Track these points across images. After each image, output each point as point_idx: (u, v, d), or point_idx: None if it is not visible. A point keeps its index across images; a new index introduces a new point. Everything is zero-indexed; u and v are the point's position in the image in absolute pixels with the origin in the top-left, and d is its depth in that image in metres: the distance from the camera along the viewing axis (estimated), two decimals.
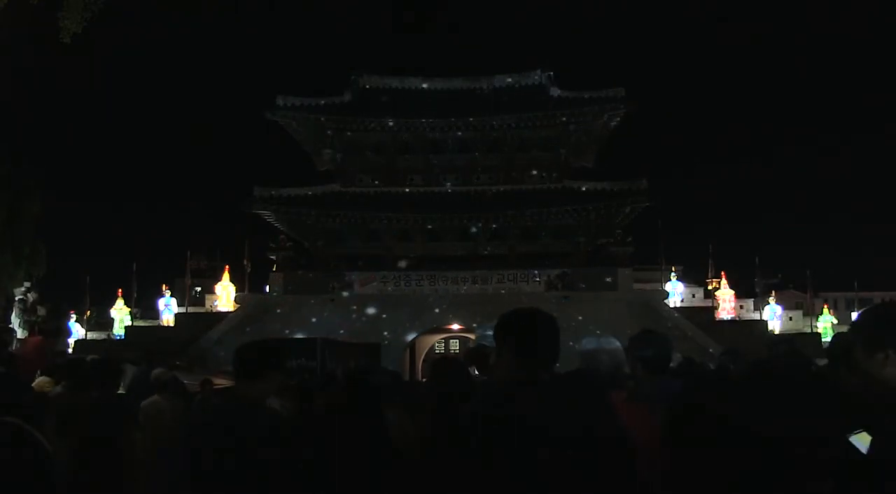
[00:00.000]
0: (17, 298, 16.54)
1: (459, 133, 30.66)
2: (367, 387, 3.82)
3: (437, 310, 27.77)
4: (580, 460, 1.87)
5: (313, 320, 26.75)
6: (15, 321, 16.37)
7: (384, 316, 27.10)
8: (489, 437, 1.90)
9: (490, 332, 2.85)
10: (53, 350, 8.38)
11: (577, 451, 1.86)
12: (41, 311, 17.89)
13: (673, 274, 29.76)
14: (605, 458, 1.90)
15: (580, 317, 26.43)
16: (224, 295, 28.96)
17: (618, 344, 4.18)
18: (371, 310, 27.20)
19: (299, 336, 23.12)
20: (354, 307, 27.40)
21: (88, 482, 3.92)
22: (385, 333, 26.37)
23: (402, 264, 29.13)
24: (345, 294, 27.90)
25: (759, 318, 28.17)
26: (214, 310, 28.84)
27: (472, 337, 30.56)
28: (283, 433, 3.22)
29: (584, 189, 29.42)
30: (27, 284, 18.55)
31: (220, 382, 9.92)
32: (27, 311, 16.41)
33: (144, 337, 24.91)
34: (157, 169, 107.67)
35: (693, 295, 31.49)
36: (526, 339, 2.14)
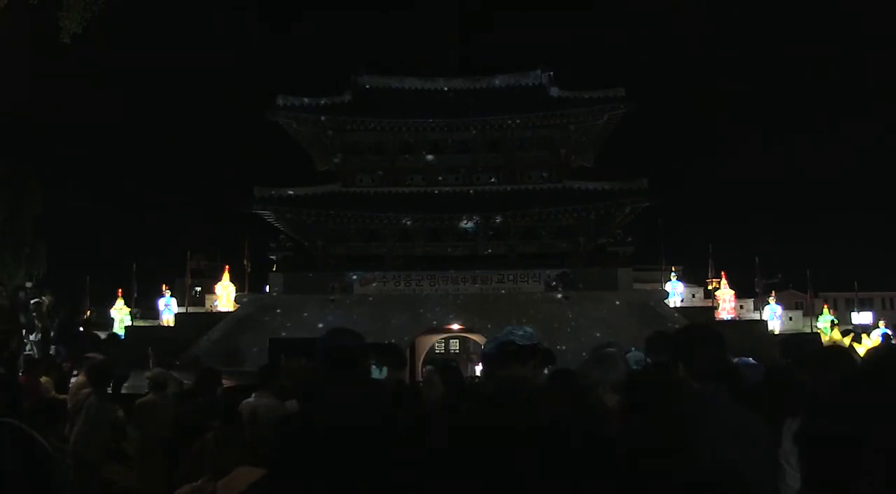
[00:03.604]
0: (32, 301, 16.37)
1: (459, 133, 30.62)
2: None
3: (437, 310, 27.76)
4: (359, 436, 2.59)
5: (313, 320, 26.74)
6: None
7: (384, 316, 27.07)
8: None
9: (520, 333, 2.90)
10: (37, 384, 8.53)
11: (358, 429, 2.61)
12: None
13: (673, 274, 29.74)
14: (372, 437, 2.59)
15: (580, 317, 26.45)
16: (224, 295, 28.92)
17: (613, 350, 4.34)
18: (371, 310, 27.18)
19: (299, 336, 23.10)
20: (354, 307, 27.38)
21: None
22: (385, 333, 26.35)
23: (401, 263, 29.12)
24: (345, 294, 27.89)
25: (759, 318, 28.15)
26: (214, 310, 28.80)
27: (474, 337, 30.54)
28: None
29: (584, 189, 29.40)
30: (28, 284, 18.45)
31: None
32: (42, 316, 16.22)
33: (144, 336, 24.89)
34: (157, 169, 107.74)
35: (693, 295, 31.46)
36: (332, 356, 3.07)
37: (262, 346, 20.58)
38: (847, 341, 19.67)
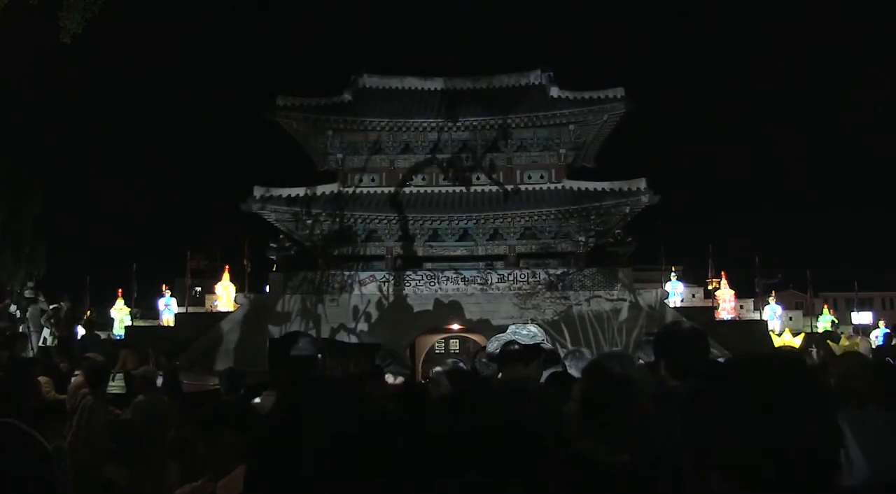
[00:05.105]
0: (51, 307, 16.28)
1: (459, 133, 30.64)
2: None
3: (437, 310, 27.75)
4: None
5: (313, 320, 26.75)
6: (45, 331, 16.14)
7: (384, 316, 27.09)
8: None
9: (524, 332, 2.86)
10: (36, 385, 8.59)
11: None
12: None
13: (673, 274, 29.72)
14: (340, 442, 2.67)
15: (580, 317, 26.46)
16: (224, 295, 28.92)
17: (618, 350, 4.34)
18: (371, 310, 27.18)
19: None
20: (354, 307, 27.39)
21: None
22: (385, 333, 26.37)
23: (401, 263, 29.12)
24: (345, 294, 27.89)
25: (759, 318, 28.16)
26: (214, 310, 28.80)
27: (474, 337, 30.55)
28: None
29: (584, 189, 29.40)
30: (30, 284, 18.32)
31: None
32: (59, 322, 16.14)
33: (144, 337, 24.86)
34: (157, 169, 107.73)
35: (693, 295, 31.49)
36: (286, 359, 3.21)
37: (262, 346, 20.55)
38: (796, 344, 19.79)
